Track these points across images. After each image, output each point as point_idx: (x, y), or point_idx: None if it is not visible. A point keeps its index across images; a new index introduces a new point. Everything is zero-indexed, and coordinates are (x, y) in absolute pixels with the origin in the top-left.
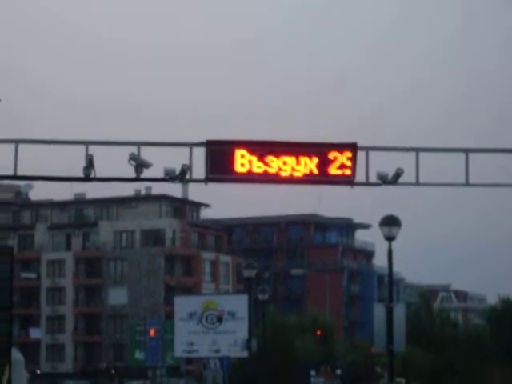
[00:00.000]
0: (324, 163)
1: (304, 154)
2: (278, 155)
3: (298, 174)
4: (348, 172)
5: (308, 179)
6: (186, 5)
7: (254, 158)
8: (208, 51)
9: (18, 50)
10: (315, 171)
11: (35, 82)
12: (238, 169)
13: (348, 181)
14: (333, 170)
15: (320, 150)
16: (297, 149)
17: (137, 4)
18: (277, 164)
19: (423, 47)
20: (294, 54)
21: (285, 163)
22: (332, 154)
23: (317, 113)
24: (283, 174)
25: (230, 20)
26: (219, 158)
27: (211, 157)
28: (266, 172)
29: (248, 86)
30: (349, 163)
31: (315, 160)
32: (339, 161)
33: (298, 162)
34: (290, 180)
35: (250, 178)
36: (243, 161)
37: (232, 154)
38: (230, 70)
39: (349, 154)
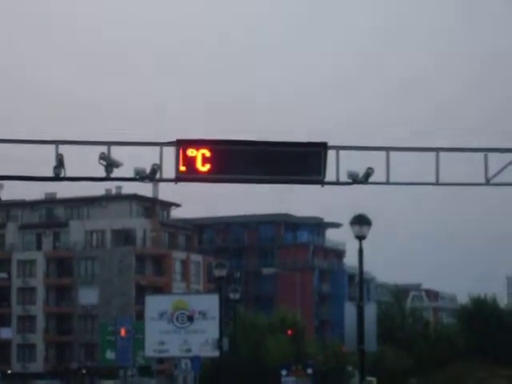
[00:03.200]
0: None
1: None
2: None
3: None
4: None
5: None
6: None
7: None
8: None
9: None
10: None
11: (6, 78)
12: (201, 168)
13: (318, 180)
14: None
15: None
16: (265, 148)
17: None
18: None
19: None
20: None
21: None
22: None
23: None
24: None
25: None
26: (190, 157)
27: (182, 156)
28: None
29: (227, 85)
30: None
31: None
32: None
33: None
34: (263, 180)
35: (216, 177)
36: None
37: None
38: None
39: (319, 153)
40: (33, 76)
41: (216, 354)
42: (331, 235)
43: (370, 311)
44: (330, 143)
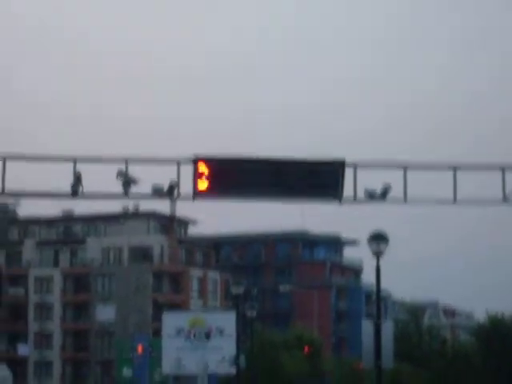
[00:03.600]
0: None
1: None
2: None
3: None
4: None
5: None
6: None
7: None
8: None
9: (6, 59)
10: None
11: (22, 94)
12: (219, 186)
13: (336, 198)
14: None
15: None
16: (284, 166)
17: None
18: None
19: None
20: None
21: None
22: None
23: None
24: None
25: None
26: (206, 174)
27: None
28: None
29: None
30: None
31: None
32: None
33: None
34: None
35: (233, 196)
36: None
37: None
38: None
39: (336, 171)
40: (47, 91)
41: (233, 370)
42: (349, 252)
43: (387, 329)
44: (347, 159)
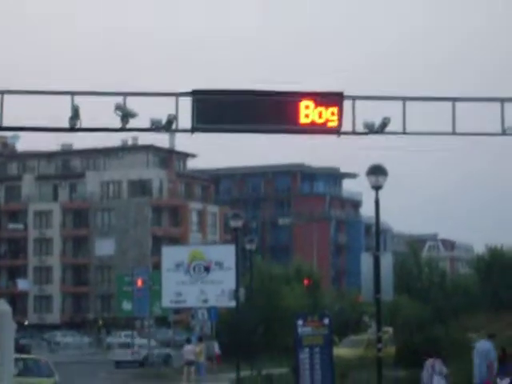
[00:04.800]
0: None
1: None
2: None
3: None
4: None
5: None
6: None
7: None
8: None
9: None
10: None
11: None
12: (217, 118)
13: (335, 130)
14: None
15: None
16: (281, 97)
17: None
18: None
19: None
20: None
21: (276, 111)
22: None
23: (303, 62)
24: (275, 121)
25: None
26: (206, 107)
27: (197, 106)
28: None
29: (231, 32)
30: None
31: None
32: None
33: None
34: (287, 130)
35: (232, 128)
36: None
37: (220, 103)
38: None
39: (335, 103)
40: (48, 21)
41: (232, 304)
42: (348, 185)
43: (387, 261)
44: (346, 92)
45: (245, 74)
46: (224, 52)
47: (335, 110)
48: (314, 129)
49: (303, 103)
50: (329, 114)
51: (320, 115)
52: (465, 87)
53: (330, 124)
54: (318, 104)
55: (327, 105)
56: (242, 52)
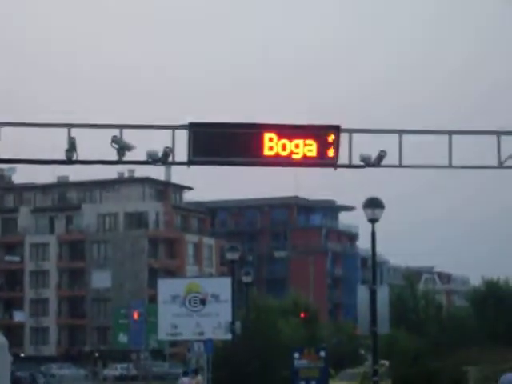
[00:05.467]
0: None
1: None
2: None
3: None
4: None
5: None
6: None
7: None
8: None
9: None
10: None
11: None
12: (214, 151)
13: (331, 163)
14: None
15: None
16: (281, 131)
17: None
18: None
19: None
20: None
21: (270, 147)
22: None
23: (300, 92)
24: (268, 155)
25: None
26: (202, 140)
27: (194, 139)
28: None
29: (226, 60)
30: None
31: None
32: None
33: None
34: (275, 162)
35: (228, 160)
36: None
37: (218, 136)
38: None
39: (332, 137)
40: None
41: (228, 336)
42: (344, 218)
43: (383, 294)
44: (343, 126)
45: (237, 108)
46: (220, 84)
47: (331, 140)
48: (310, 162)
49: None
50: (323, 148)
51: (318, 149)
52: (461, 119)
53: (329, 155)
54: (315, 137)
55: (323, 138)
56: (240, 85)
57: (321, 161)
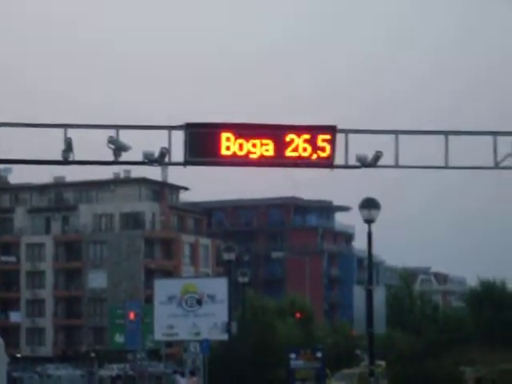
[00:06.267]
0: None
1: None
2: (258, 138)
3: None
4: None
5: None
6: None
7: (240, 141)
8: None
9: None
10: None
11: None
12: (223, 151)
13: (327, 163)
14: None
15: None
16: (275, 131)
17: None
18: (259, 146)
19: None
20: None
21: (267, 149)
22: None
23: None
24: (266, 155)
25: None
26: (198, 140)
27: (190, 140)
28: (247, 155)
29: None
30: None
31: None
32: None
33: None
34: (270, 162)
35: (225, 161)
36: (227, 144)
37: (213, 137)
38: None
39: (328, 137)
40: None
41: (225, 337)
42: (340, 219)
43: (379, 294)
44: (340, 127)
45: (236, 108)
46: (220, 86)
47: (327, 140)
48: (307, 162)
49: (302, 136)
50: (320, 149)
51: (312, 149)
52: (458, 121)
53: (322, 155)
54: (311, 137)
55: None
56: (238, 85)
57: (317, 161)
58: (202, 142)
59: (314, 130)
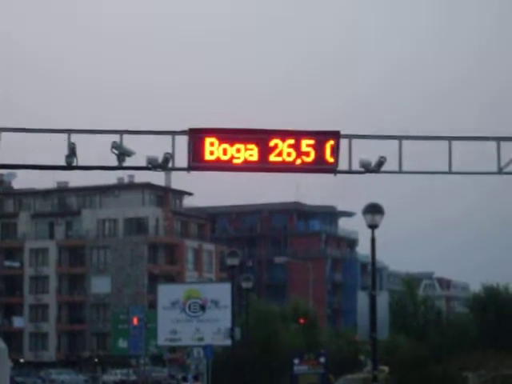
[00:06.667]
0: None
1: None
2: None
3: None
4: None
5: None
6: None
7: (225, 146)
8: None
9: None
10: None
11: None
12: (206, 156)
13: (331, 169)
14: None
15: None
16: (278, 136)
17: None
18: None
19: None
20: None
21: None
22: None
23: (298, 99)
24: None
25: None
26: (202, 146)
27: (193, 145)
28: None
29: (233, 68)
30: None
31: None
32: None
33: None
34: (273, 168)
35: (228, 166)
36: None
37: (197, 142)
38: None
39: (331, 142)
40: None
41: (228, 342)
42: (344, 224)
43: (383, 300)
44: (342, 132)
45: (239, 115)
46: (219, 92)
47: (311, 145)
48: (310, 168)
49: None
50: (326, 153)
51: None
52: (462, 125)
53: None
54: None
55: (323, 143)
56: (237, 92)
57: (320, 166)
58: (191, 148)
59: (317, 135)
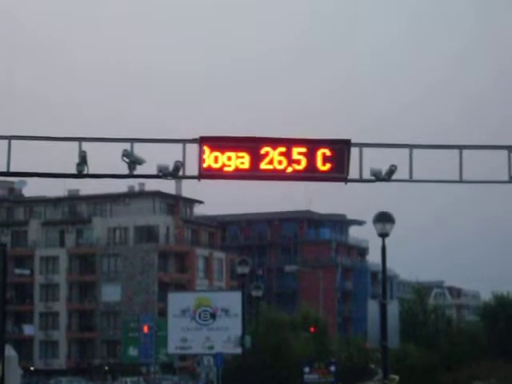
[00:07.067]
0: None
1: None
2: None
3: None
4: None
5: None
6: None
7: (216, 154)
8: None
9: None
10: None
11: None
12: (225, 165)
13: (342, 177)
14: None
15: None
16: (288, 144)
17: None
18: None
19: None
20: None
21: (280, 161)
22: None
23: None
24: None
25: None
26: (212, 154)
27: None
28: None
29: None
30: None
31: None
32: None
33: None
34: (286, 176)
35: (240, 175)
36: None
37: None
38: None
39: (324, 150)
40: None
41: (238, 350)
42: (354, 232)
43: (393, 308)
44: (354, 141)
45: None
46: (222, 100)
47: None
48: (322, 176)
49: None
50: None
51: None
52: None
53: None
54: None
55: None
56: (240, 97)
57: (331, 175)
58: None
59: (328, 144)
